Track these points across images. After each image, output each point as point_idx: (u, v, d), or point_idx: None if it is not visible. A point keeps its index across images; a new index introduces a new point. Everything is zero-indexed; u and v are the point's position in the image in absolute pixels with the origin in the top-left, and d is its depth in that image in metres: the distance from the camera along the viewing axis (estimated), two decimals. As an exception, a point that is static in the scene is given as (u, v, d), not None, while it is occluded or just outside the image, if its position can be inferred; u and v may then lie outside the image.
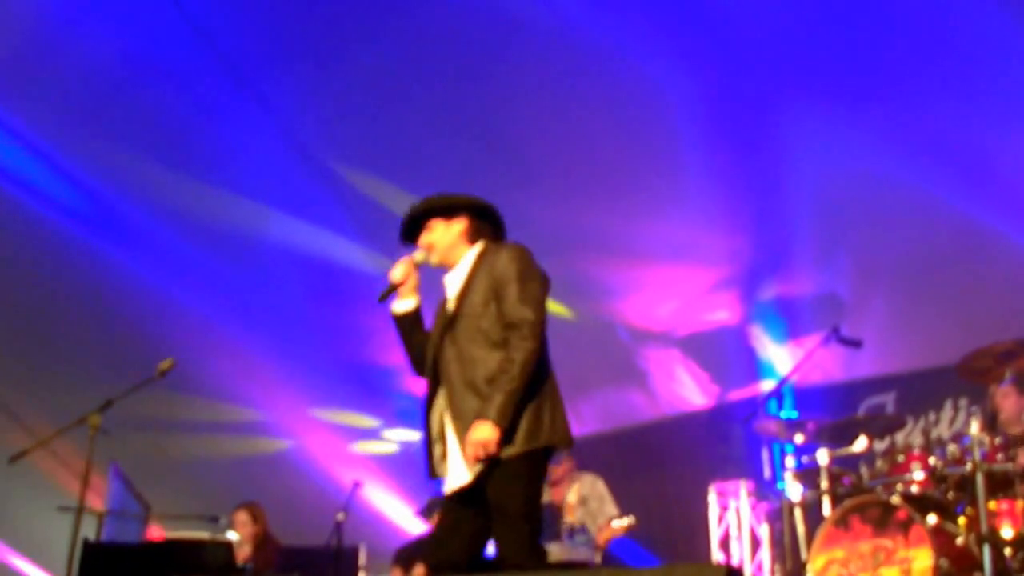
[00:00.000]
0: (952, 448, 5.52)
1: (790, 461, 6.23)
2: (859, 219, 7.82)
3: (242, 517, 7.16)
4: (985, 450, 5.32)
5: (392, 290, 3.88)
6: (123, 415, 5.81)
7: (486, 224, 3.92)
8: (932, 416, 8.15)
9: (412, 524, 9.76)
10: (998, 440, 5.45)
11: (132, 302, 8.85)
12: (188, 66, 7.65)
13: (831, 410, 7.81)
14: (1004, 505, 5.28)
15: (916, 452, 5.61)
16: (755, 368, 8.94)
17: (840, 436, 6.15)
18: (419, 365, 3.90)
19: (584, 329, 9.09)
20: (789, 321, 8.67)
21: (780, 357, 8.76)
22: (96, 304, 8.91)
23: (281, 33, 7.57)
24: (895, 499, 5.36)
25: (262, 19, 7.48)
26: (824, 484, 5.84)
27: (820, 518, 5.72)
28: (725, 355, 9.25)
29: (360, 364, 9.82)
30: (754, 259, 8.45)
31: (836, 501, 5.74)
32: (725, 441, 8.88)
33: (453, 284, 3.85)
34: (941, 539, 5.16)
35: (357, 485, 8.03)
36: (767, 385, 8.62)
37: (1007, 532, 5.20)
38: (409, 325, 3.90)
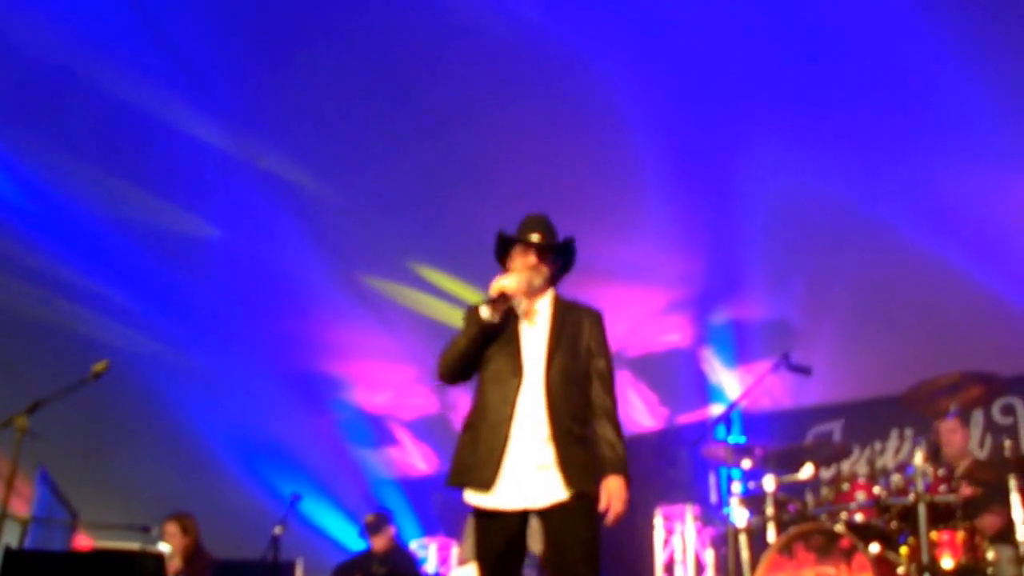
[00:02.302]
0: (896, 478, 5.52)
1: (737, 486, 6.19)
2: (812, 247, 7.87)
3: (172, 528, 6.96)
4: (928, 481, 5.34)
5: (504, 299, 3.84)
6: (53, 418, 5.62)
7: None
8: (878, 445, 8.18)
9: (351, 540, 9.60)
10: (941, 471, 5.48)
11: (67, 301, 8.64)
12: (138, 63, 7.50)
13: (779, 436, 7.82)
14: (945, 536, 5.31)
15: (861, 481, 5.62)
16: (705, 392, 8.93)
17: (787, 463, 6.15)
18: (466, 374, 3.96)
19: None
20: (740, 346, 8.69)
21: (730, 382, 8.76)
22: (27, 301, 8.69)
23: (233, 35, 7.45)
24: (839, 527, 5.35)
25: (215, 18, 7.36)
26: (769, 510, 5.84)
27: (765, 544, 5.69)
28: (675, 378, 9.26)
29: (304, 373, 9.68)
30: (708, 283, 8.46)
31: (781, 528, 5.73)
32: (673, 465, 8.85)
33: (539, 318, 3.95)
34: (883, 568, 5.16)
35: (296, 498, 7.87)
36: (716, 409, 8.61)
37: (947, 563, 5.23)
38: (490, 335, 3.89)
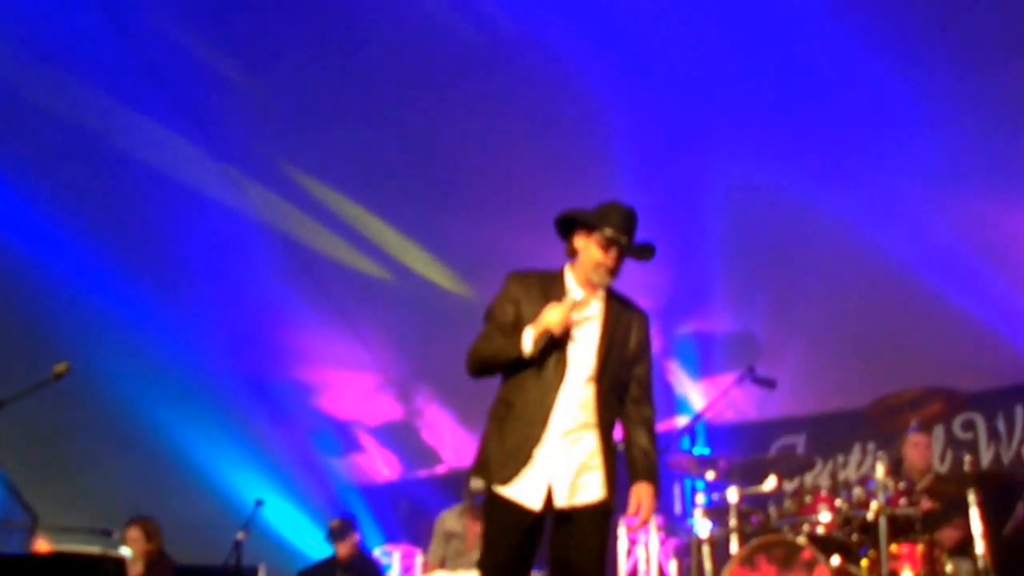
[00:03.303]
0: (858, 491, 5.58)
1: (700, 498, 6.22)
2: (778, 261, 7.93)
3: (134, 533, 6.88)
4: (889, 494, 5.41)
5: (547, 338, 3.66)
6: (13, 420, 5.54)
7: None
8: (841, 458, 8.25)
9: (315, 546, 9.54)
10: (902, 485, 5.54)
11: (29, 301, 8.53)
12: (105, 70, 7.45)
13: (743, 448, 7.85)
14: (905, 549, 5.39)
15: (823, 494, 5.67)
16: (670, 403, 8.95)
17: (751, 475, 6.19)
18: (484, 375, 3.84)
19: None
20: (705, 358, 8.72)
21: (695, 393, 8.80)
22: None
23: (208, 41, 7.42)
24: (801, 539, 5.40)
25: (189, 26, 7.33)
26: (733, 522, 5.88)
27: (728, 556, 5.74)
28: (640, 389, 9.25)
29: (269, 379, 9.62)
30: (674, 294, 8.48)
31: (744, 539, 5.77)
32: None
33: (590, 313, 3.77)
34: (844, 581, 5.20)
35: (260, 503, 7.82)
36: (681, 421, 8.63)
37: (907, 575, 5.26)
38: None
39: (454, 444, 10.02)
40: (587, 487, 3.66)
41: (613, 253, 3.71)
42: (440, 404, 9.95)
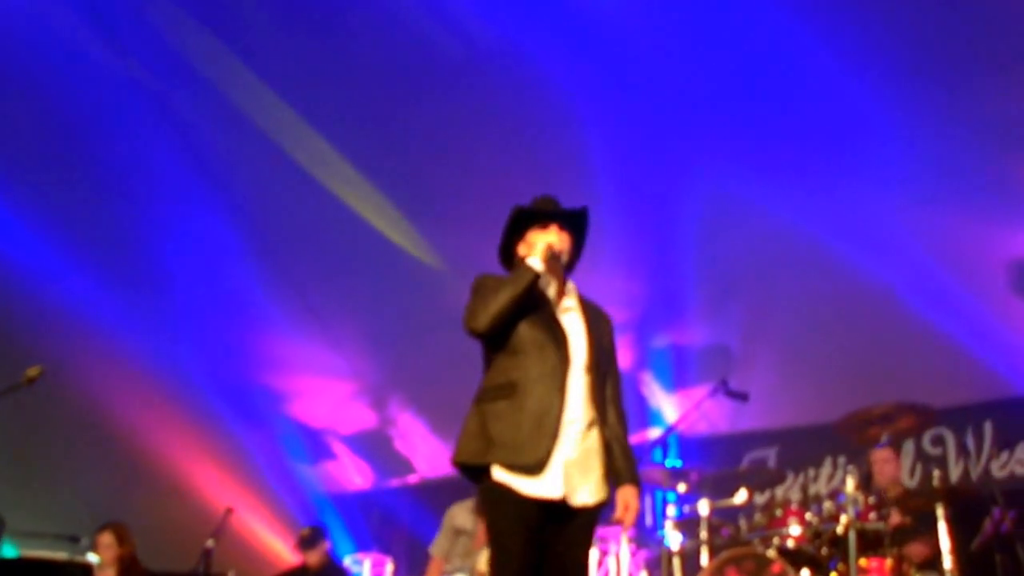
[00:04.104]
0: (828, 505, 5.61)
1: (672, 510, 6.23)
2: (752, 276, 7.98)
3: (107, 539, 6.81)
4: (859, 508, 5.43)
5: (556, 258, 3.69)
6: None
7: None
8: (811, 472, 8.30)
9: (284, 555, 9.48)
10: (871, 499, 5.57)
11: (1, 303, 8.45)
12: (83, 67, 7.40)
13: (715, 461, 7.88)
14: (874, 563, 5.40)
15: (794, 507, 5.69)
16: (643, 415, 8.98)
17: (722, 487, 6.19)
18: (502, 331, 3.60)
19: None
20: (679, 370, 8.75)
21: (668, 406, 8.82)
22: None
23: (185, 42, 7.39)
24: (771, 553, 5.41)
25: (169, 28, 7.30)
26: (703, 534, 5.88)
27: (698, 568, 5.74)
28: (614, 401, 9.27)
29: (242, 385, 9.56)
30: (649, 307, 8.52)
31: (714, 552, 5.78)
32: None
33: (569, 303, 3.76)
34: (813, 594, 5.22)
35: (230, 511, 7.76)
36: (654, 433, 8.66)
37: (876, 589, 5.29)
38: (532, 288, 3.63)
39: (427, 453, 9.99)
40: (591, 485, 3.55)
41: (553, 227, 3.76)
42: (414, 413, 9.93)
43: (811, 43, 6.67)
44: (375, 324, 9.25)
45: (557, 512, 3.48)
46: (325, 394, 10.01)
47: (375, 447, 10.30)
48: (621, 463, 3.65)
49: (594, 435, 3.61)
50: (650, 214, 7.84)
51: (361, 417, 10.18)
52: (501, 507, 3.45)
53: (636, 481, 3.66)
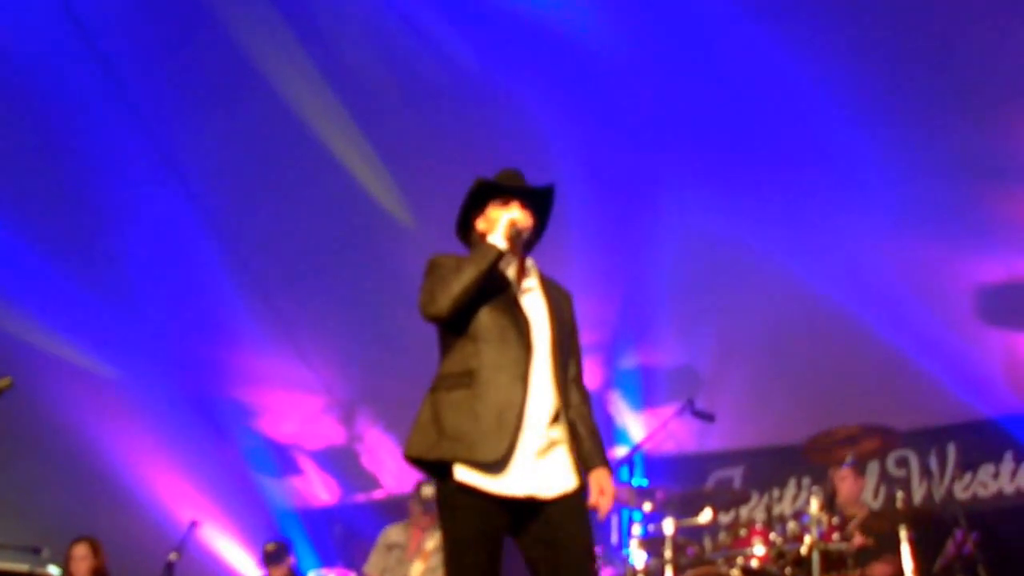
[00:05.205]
0: (792, 525, 5.66)
1: (637, 528, 6.24)
2: (721, 297, 8.04)
3: (82, 551, 6.78)
4: (823, 529, 5.48)
5: (518, 235, 3.48)
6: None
7: None
8: (776, 493, 8.34)
9: (249, 569, 9.40)
10: (835, 520, 5.62)
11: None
12: (59, 70, 7.36)
13: (681, 480, 7.90)
14: (838, 584, 5.42)
15: (758, 527, 5.73)
16: (610, 434, 9.00)
17: (687, 507, 6.22)
18: (462, 314, 3.37)
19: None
20: (647, 390, 8.79)
21: (635, 425, 8.85)
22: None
23: (158, 42, 7.38)
24: (735, 572, 5.45)
25: (144, 28, 7.28)
26: (668, 553, 5.87)
27: (662, 587, 5.74)
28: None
29: (209, 397, 9.50)
30: (618, 327, 8.55)
31: (678, 571, 5.79)
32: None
33: (529, 283, 3.58)
34: (776, 614, 5.25)
35: (194, 524, 7.70)
36: (620, 451, 8.68)
37: (838, 610, 5.33)
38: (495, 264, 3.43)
39: (394, 469, 9.96)
40: (560, 478, 3.33)
41: (515, 203, 3.57)
42: (382, 428, 9.90)
43: (786, 70, 6.75)
44: (345, 338, 9.23)
45: (528, 509, 3.28)
46: (294, 408, 9.95)
47: (342, 462, 10.25)
48: (589, 445, 3.43)
49: (559, 426, 3.38)
50: (621, 237, 7.88)
51: (329, 432, 10.13)
52: (460, 515, 3.24)
53: (607, 463, 3.44)
